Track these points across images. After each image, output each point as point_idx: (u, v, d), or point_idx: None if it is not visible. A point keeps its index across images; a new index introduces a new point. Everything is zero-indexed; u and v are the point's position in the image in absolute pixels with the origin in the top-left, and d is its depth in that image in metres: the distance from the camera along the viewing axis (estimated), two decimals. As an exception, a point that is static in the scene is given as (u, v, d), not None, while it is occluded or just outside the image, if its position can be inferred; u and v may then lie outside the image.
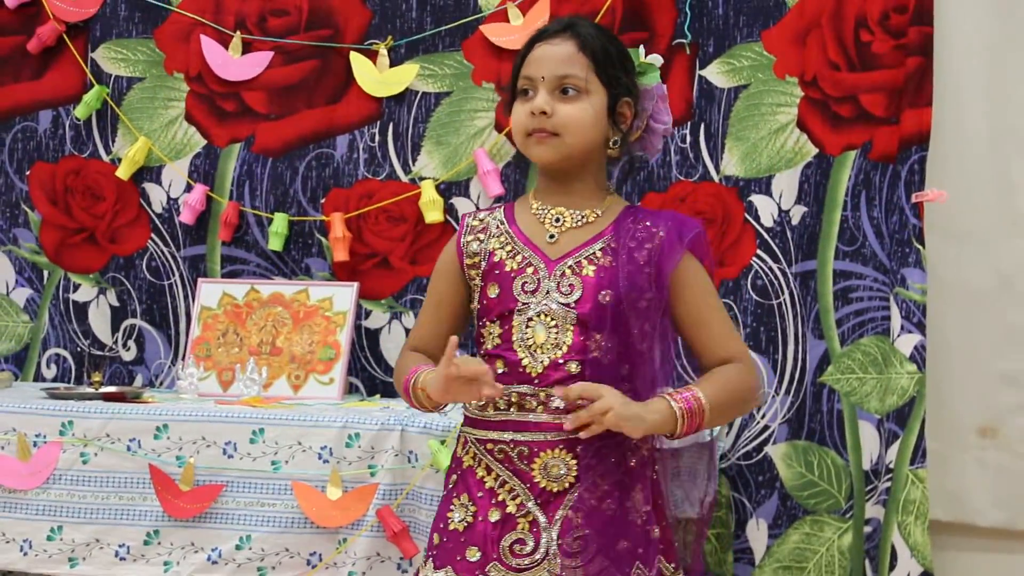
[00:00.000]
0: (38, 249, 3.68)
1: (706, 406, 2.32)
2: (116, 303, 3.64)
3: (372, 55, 3.49)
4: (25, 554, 3.07)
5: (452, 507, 2.40)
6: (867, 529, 3.27)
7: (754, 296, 3.34)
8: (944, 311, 3.29)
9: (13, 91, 3.67)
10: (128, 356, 3.64)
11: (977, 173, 3.28)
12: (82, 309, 3.66)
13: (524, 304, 2.38)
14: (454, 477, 2.42)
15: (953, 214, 3.26)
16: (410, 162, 3.48)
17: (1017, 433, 3.29)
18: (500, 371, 2.36)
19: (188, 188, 3.57)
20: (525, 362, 2.36)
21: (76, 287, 3.66)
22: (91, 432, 3.06)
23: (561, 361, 2.35)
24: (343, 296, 3.41)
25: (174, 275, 3.59)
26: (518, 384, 2.37)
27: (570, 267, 2.38)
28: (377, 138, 3.50)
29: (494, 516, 2.36)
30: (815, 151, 3.31)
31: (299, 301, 3.43)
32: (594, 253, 2.38)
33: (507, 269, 2.40)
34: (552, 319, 2.37)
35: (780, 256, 3.33)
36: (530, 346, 2.37)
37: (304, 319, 3.41)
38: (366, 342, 3.48)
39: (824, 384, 3.31)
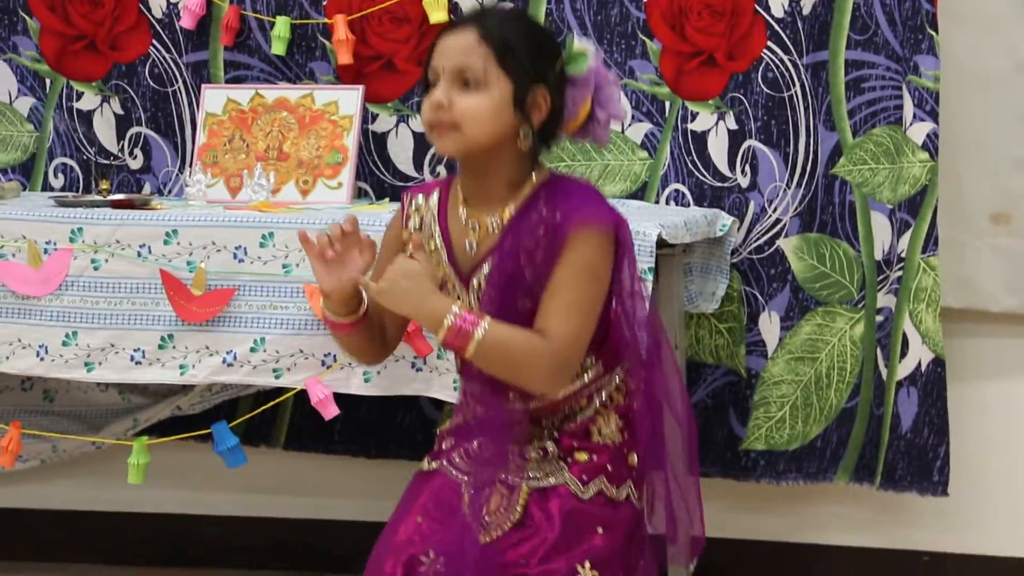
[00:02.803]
0: (39, 57, 3.65)
1: (479, 336, 2.28)
2: (120, 111, 3.63)
3: None
4: (41, 359, 3.07)
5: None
6: (879, 318, 3.31)
7: (765, 89, 3.33)
8: (957, 98, 3.28)
9: None
10: (135, 164, 3.63)
11: None
12: (86, 117, 3.64)
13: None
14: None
15: None
16: (411, -43, 3.47)
17: None
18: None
19: None
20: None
21: (80, 95, 3.65)
22: (101, 238, 3.05)
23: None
24: (349, 100, 3.38)
25: (178, 81, 3.57)
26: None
27: (482, 279, 2.37)
28: None
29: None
30: None
31: (304, 105, 3.40)
32: (498, 257, 2.35)
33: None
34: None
35: (791, 47, 3.31)
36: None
37: (310, 124, 3.39)
38: (373, 146, 3.47)
39: (836, 176, 3.31)
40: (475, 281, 2.37)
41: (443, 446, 2.48)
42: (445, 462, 2.45)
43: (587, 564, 2.34)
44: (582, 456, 2.39)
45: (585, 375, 2.40)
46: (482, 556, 2.35)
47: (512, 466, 2.38)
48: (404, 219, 2.45)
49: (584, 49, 2.38)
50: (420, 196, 2.45)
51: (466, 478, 2.42)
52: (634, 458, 2.43)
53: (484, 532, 2.36)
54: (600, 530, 2.36)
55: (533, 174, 2.37)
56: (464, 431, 2.46)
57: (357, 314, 2.39)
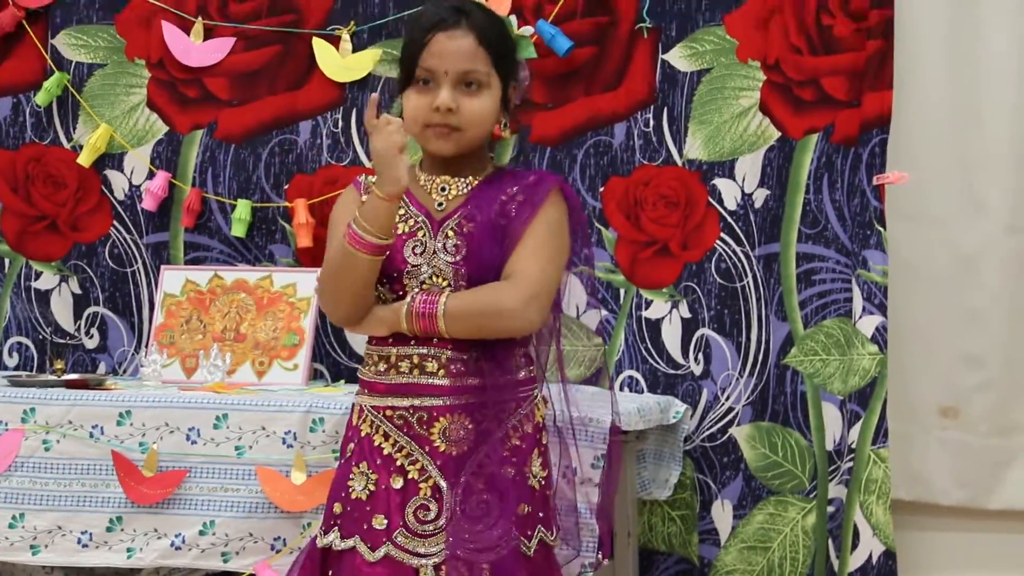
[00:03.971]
0: None
1: (440, 306, 2.37)
2: (79, 291, 3.63)
3: (335, 40, 3.48)
4: None
5: (352, 476, 2.43)
6: (830, 509, 3.28)
7: (718, 279, 3.36)
8: (905, 293, 3.31)
9: None
10: (91, 344, 3.63)
11: (938, 156, 3.31)
12: (44, 297, 3.65)
13: (414, 267, 2.44)
14: (351, 446, 2.45)
15: (914, 196, 3.29)
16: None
17: (978, 412, 3.32)
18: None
19: (151, 175, 3.55)
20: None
21: (38, 275, 3.65)
22: (53, 419, 3.05)
23: None
24: (307, 282, 3.39)
25: (137, 262, 3.57)
26: (416, 346, 2.43)
27: (452, 228, 2.43)
28: (340, 123, 3.49)
29: (397, 483, 2.41)
30: (777, 134, 3.32)
31: (263, 287, 3.42)
32: (468, 212, 2.45)
33: (399, 232, 2.44)
34: (444, 279, 2.43)
35: (743, 239, 3.35)
36: None
37: (268, 305, 3.40)
38: (330, 328, 3.46)
39: (788, 366, 3.32)
40: (446, 226, 2.43)
41: (376, 524, 2.42)
42: (392, 545, 2.41)
43: None
44: (523, 508, 2.42)
45: (520, 371, 2.44)
46: None
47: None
48: (363, 193, 2.47)
49: (524, 31, 2.57)
50: (372, 176, 2.48)
51: (423, 559, 2.40)
52: (552, 499, 2.49)
53: None
54: None
55: (491, 155, 2.52)
56: (389, 496, 2.42)
57: (390, 239, 2.39)
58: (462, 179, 2.47)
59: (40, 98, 3.57)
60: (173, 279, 3.46)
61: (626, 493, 3.12)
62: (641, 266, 3.38)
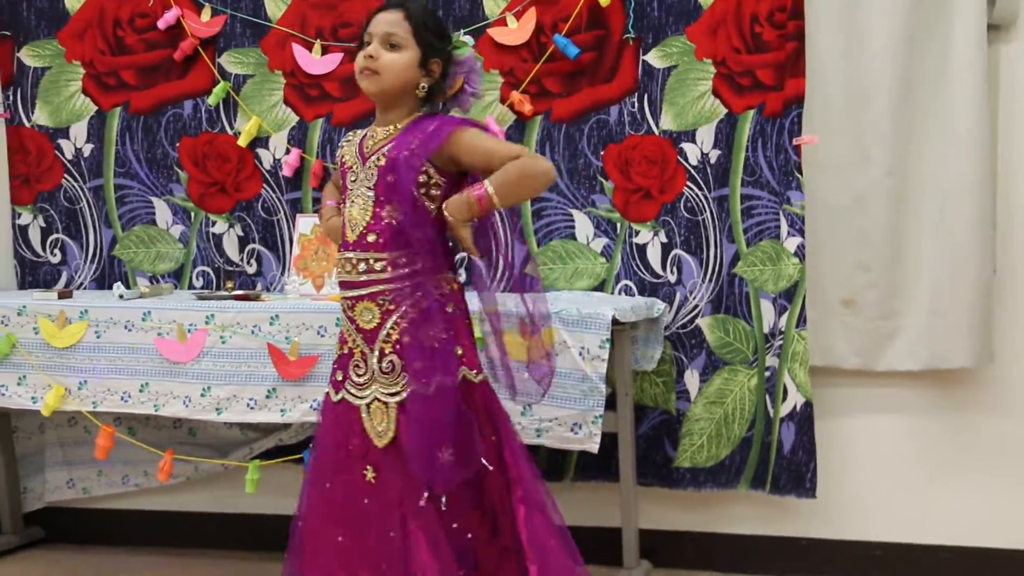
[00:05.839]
0: (187, 197, 3.67)
1: (491, 192, 2.33)
2: (241, 233, 3.64)
3: None
4: (186, 406, 3.13)
5: (338, 346, 2.49)
6: (767, 374, 3.31)
7: (685, 215, 3.36)
8: (817, 220, 3.28)
9: (165, 88, 3.65)
10: (251, 270, 3.64)
11: (838, 123, 3.25)
12: (219, 238, 3.65)
13: (349, 191, 2.46)
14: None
15: (821, 153, 3.26)
16: (441, 128, 3.51)
17: (868, 302, 3.28)
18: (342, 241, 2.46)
19: (287, 151, 3.56)
20: (347, 234, 2.44)
21: (213, 223, 3.65)
22: (227, 322, 3.12)
23: (365, 231, 2.41)
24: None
25: (280, 212, 3.61)
26: (347, 251, 2.43)
27: (373, 160, 2.43)
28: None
29: (344, 349, 2.46)
30: (725, 111, 3.30)
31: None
32: (388, 149, 2.42)
33: (346, 167, 2.49)
34: (363, 200, 2.43)
35: (703, 185, 3.35)
36: (350, 221, 2.44)
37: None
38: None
39: (736, 274, 3.34)
40: (371, 160, 2.43)
41: (337, 377, 2.46)
42: (345, 391, 2.43)
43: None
44: (418, 364, 2.35)
45: (413, 267, 2.38)
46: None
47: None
48: (342, 144, 2.53)
49: (467, 41, 2.50)
50: (350, 133, 2.55)
51: (361, 399, 2.40)
52: (459, 349, 2.40)
53: (379, 438, 2.36)
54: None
55: (424, 108, 2.47)
56: (345, 359, 2.44)
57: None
58: (389, 127, 2.45)
59: (211, 100, 3.59)
60: (305, 223, 3.48)
61: (625, 365, 3.10)
62: (631, 207, 3.39)
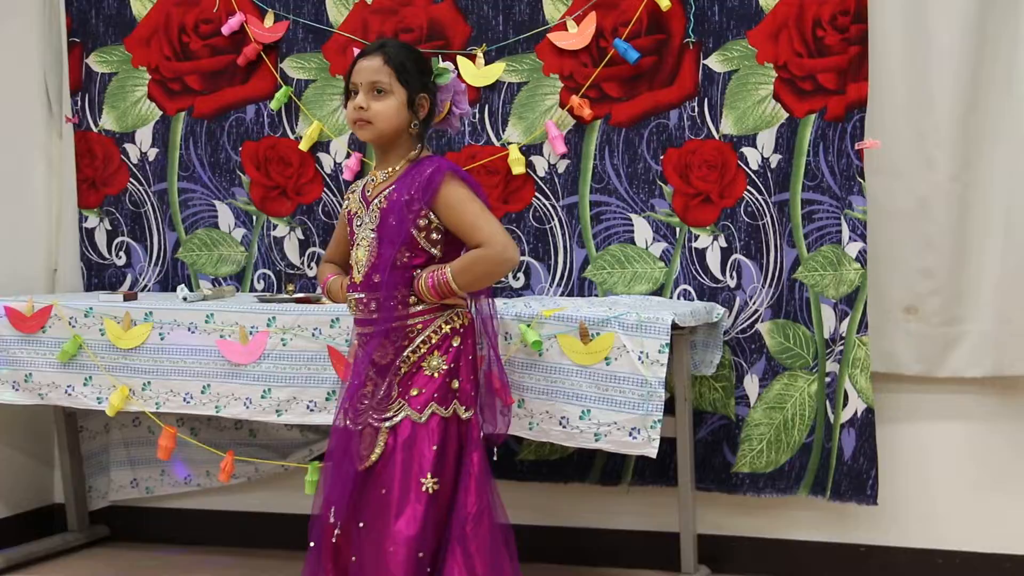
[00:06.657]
0: (249, 201, 3.70)
1: (450, 279, 2.47)
2: (302, 237, 3.65)
3: (472, 57, 3.49)
4: (247, 407, 3.16)
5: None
6: (827, 379, 3.29)
7: (746, 219, 3.36)
8: (879, 225, 3.26)
9: (228, 92, 3.68)
10: (311, 273, 3.65)
11: (900, 128, 3.24)
12: (279, 242, 3.67)
13: (356, 235, 2.57)
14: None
15: (884, 157, 3.24)
16: (500, 131, 3.50)
17: (930, 310, 3.26)
18: (350, 283, 2.59)
19: (347, 155, 3.57)
20: (355, 276, 2.56)
21: (275, 226, 3.67)
22: (288, 324, 3.13)
23: (370, 272, 2.52)
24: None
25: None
26: (355, 292, 2.56)
27: (376, 204, 2.53)
28: (477, 115, 3.50)
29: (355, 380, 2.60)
30: (786, 115, 3.30)
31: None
32: (388, 192, 2.52)
33: (352, 214, 2.59)
34: (367, 242, 2.54)
35: (763, 190, 3.34)
36: (356, 263, 2.57)
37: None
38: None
39: (796, 279, 3.32)
40: (373, 204, 2.54)
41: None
42: (343, 418, 2.56)
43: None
44: (417, 391, 2.48)
45: (415, 307, 2.51)
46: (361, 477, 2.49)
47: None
48: (347, 195, 2.65)
49: (446, 67, 2.57)
50: (353, 184, 2.67)
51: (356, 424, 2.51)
52: (456, 383, 2.51)
53: (361, 461, 2.49)
54: (435, 447, 2.46)
55: (419, 149, 2.55)
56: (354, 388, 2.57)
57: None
58: (388, 169, 2.56)
59: (273, 104, 3.61)
60: (366, 227, 3.53)
61: (683, 370, 3.10)
62: (691, 211, 3.39)
